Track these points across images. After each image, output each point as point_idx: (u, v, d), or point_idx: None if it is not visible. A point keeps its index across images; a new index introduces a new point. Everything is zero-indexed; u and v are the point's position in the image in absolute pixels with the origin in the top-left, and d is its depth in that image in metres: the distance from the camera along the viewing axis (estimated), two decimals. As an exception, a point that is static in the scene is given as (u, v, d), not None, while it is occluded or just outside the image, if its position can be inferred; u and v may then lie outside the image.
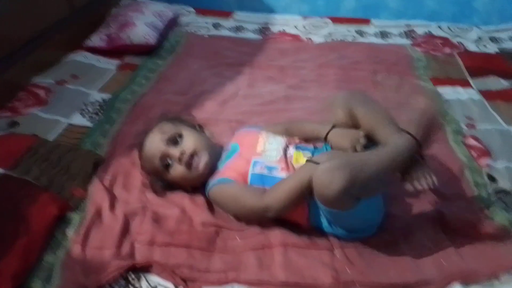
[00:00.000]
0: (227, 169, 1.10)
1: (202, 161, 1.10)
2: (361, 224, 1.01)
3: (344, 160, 0.92)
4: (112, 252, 0.97)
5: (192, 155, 1.09)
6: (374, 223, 1.04)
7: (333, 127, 1.11)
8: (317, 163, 0.93)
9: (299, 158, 1.08)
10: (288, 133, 1.19)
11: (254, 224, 1.04)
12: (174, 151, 1.09)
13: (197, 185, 1.13)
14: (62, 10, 1.83)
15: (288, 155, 1.09)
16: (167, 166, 1.10)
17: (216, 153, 1.15)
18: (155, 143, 1.11)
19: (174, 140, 1.11)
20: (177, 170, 1.10)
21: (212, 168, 1.12)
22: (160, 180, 1.14)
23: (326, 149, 1.11)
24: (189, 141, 1.11)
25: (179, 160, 1.09)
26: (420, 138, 0.99)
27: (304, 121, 1.27)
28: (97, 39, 1.85)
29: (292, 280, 0.92)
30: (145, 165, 1.15)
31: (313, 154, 1.08)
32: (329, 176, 0.87)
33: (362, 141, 1.04)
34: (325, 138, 1.11)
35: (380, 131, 1.04)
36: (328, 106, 1.17)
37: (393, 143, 0.99)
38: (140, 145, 1.16)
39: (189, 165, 1.09)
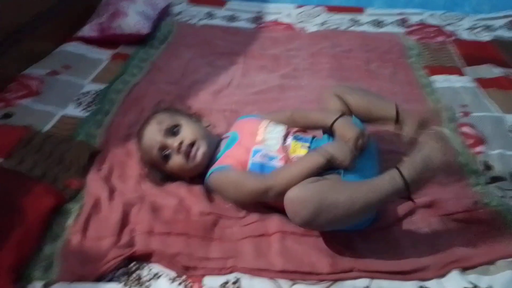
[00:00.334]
0: (226, 157, 1.09)
1: (200, 151, 1.09)
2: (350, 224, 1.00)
3: (313, 193, 0.88)
4: (111, 242, 0.96)
5: (191, 145, 1.09)
6: (367, 219, 1.02)
7: (341, 115, 1.09)
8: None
9: (296, 148, 1.07)
10: (291, 121, 1.17)
11: (251, 208, 1.04)
12: (172, 142, 1.09)
13: (195, 176, 1.12)
14: (51, -1, 1.80)
15: (286, 145, 1.08)
16: (165, 157, 1.10)
17: (214, 143, 1.14)
18: (153, 134, 1.10)
19: (172, 131, 1.10)
20: (176, 161, 1.09)
21: (210, 158, 1.12)
22: (159, 171, 1.13)
23: (328, 139, 1.11)
24: (188, 131, 1.10)
25: (178, 150, 1.08)
26: (412, 182, 0.89)
27: (309, 109, 1.26)
28: (88, 29, 1.83)
29: (290, 268, 0.92)
30: (143, 156, 1.14)
31: (311, 144, 1.08)
32: (294, 207, 0.88)
33: (365, 139, 1.05)
34: (331, 127, 1.08)
35: (374, 108, 1.10)
36: (322, 100, 1.18)
37: (377, 185, 0.90)
38: (138, 137, 1.15)
39: (187, 155, 1.08)
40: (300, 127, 1.16)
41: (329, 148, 0.98)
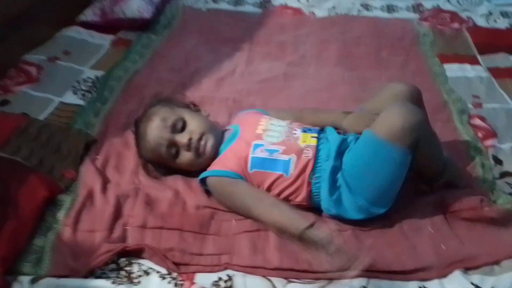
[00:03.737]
0: (227, 157, 1.06)
1: (209, 144, 1.07)
2: (381, 195, 0.97)
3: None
4: (103, 235, 0.95)
5: (199, 139, 1.07)
6: (389, 200, 0.99)
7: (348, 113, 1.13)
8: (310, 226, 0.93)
9: (306, 138, 1.06)
10: (298, 118, 1.17)
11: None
12: (181, 138, 1.06)
13: (202, 168, 1.09)
14: (53, -17, 1.77)
15: (293, 137, 1.06)
16: (174, 154, 1.07)
17: (219, 134, 1.12)
18: (158, 131, 1.07)
19: (178, 126, 1.08)
20: (185, 157, 1.07)
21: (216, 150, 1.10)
22: (163, 167, 1.11)
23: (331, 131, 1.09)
24: (194, 125, 1.08)
25: (188, 146, 1.06)
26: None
27: (314, 109, 1.27)
28: (90, 14, 1.81)
29: (286, 265, 0.89)
30: (147, 154, 1.11)
31: (319, 135, 1.06)
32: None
33: None
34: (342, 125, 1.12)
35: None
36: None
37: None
38: (137, 133, 1.12)
39: (197, 150, 1.06)
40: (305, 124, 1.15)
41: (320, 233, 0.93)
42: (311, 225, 0.93)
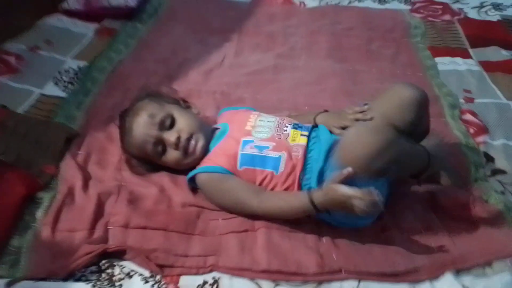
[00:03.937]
0: (216, 154, 1.03)
1: (199, 145, 1.03)
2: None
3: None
4: (84, 235, 0.91)
5: (188, 139, 1.03)
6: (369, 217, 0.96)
7: (325, 111, 1.10)
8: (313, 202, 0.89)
9: (296, 137, 1.02)
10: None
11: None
12: (169, 136, 1.02)
13: (189, 167, 1.06)
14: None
15: (283, 133, 1.03)
16: (160, 152, 1.04)
17: (209, 133, 1.08)
18: (145, 128, 1.03)
19: (166, 123, 1.03)
20: (172, 155, 1.04)
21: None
22: (148, 163, 1.07)
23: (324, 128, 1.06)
24: (183, 123, 1.04)
25: (175, 145, 1.02)
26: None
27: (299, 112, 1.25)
28: (73, 1, 1.74)
29: (274, 267, 0.87)
30: (132, 150, 1.07)
31: (310, 133, 1.03)
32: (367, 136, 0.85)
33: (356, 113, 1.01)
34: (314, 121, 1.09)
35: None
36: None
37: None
38: (122, 127, 1.08)
39: (185, 150, 1.02)
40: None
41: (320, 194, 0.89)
42: (311, 194, 0.89)
